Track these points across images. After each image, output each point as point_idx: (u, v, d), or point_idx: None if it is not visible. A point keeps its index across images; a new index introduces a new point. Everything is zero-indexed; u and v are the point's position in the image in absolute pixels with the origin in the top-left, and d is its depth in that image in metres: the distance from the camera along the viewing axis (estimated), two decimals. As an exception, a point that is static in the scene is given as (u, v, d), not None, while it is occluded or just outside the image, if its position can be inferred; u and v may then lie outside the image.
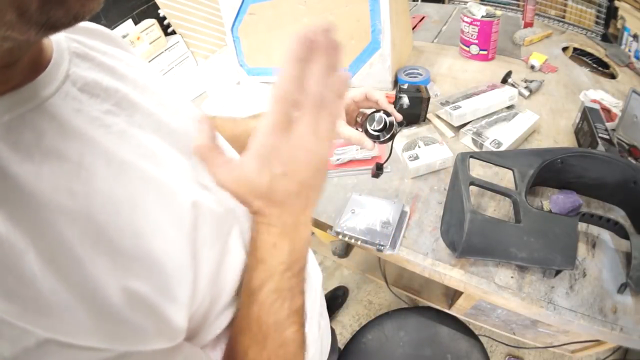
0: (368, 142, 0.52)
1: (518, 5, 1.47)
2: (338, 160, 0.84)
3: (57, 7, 0.20)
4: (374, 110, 0.53)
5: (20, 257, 0.20)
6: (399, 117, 0.54)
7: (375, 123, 0.52)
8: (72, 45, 0.31)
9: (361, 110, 0.57)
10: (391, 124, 0.52)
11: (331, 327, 0.69)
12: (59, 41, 0.30)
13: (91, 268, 0.23)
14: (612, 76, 1.11)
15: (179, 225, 0.29)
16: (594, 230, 0.66)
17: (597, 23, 1.27)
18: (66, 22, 0.21)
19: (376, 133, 0.52)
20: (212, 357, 0.35)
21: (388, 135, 0.52)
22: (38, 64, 0.27)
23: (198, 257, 0.30)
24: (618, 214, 0.69)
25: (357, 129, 0.54)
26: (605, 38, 1.25)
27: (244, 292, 0.34)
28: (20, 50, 0.24)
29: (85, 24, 0.37)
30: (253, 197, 0.30)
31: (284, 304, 0.33)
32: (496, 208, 0.72)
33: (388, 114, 0.52)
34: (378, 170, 0.60)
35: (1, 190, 0.21)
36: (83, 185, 0.25)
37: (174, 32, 1.40)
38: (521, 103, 0.95)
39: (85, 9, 0.22)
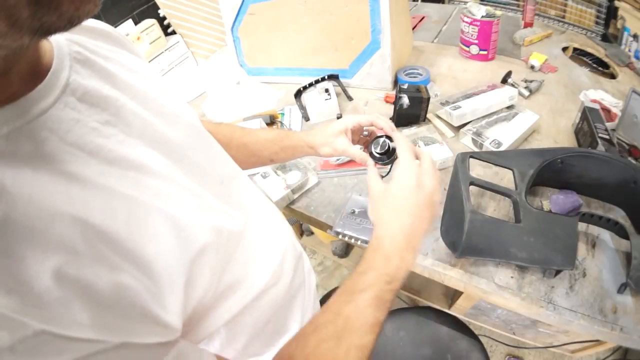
0: (370, 162, 0.57)
1: (518, 5, 1.47)
2: (338, 160, 0.84)
3: (50, 12, 0.19)
4: (379, 135, 0.58)
5: (18, 260, 0.21)
6: None
7: (379, 147, 0.57)
8: (74, 50, 0.30)
9: (364, 133, 0.63)
10: (393, 149, 0.57)
11: None
12: (60, 46, 0.29)
13: (85, 265, 0.23)
14: (612, 76, 1.11)
15: (174, 235, 0.30)
16: (594, 230, 0.66)
17: (597, 23, 1.27)
18: (61, 26, 0.21)
19: (379, 155, 0.57)
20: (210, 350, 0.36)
21: (389, 160, 0.57)
22: (37, 71, 0.27)
23: (193, 278, 0.31)
24: (618, 214, 0.69)
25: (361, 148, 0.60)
26: (605, 38, 1.25)
27: (343, 292, 0.39)
28: (14, 57, 0.24)
29: (90, 23, 0.36)
30: (387, 206, 0.44)
31: (374, 312, 0.37)
32: (496, 208, 0.72)
33: (391, 139, 0.57)
34: None
35: None
36: (80, 190, 0.25)
37: (174, 32, 1.40)
38: (521, 103, 0.95)
39: (80, 12, 0.21)
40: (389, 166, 0.58)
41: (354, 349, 0.36)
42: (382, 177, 0.65)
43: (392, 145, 0.57)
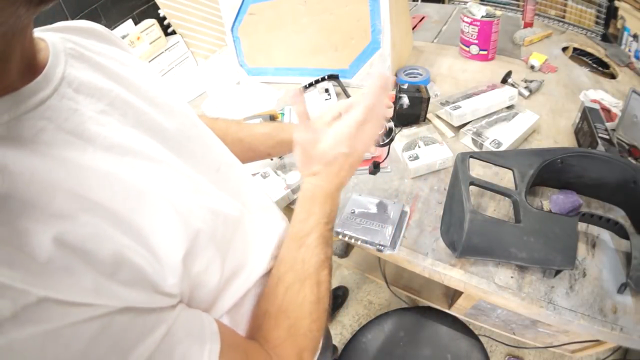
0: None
1: (518, 5, 1.47)
2: (338, 160, 0.84)
3: None
4: None
5: (21, 232, 0.22)
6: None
7: None
8: (68, 47, 0.32)
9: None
10: (390, 129, 0.56)
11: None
12: (55, 43, 0.31)
13: (85, 235, 0.25)
14: (612, 76, 1.11)
15: (171, 212, 0.31)
16: (594, 230, 0.66)
17: (597, 23, 1.27)
18: None
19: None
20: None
21: (387, 140, 0.56)
22: (34, 66, 0.28)
23: (192, 254, 0.32)
24: (618, 214, 0.69)
25: None
26: (605, 38, 1.25)
27: (291, 240, 0.43)
28: (13, 37, 0.25)
29: (81, 24, 0.38)
30: (318, 161, 0.45)
31: (323, 249, 0.43)
32: (496, 208, 0.72)
33: (388, 120, 0.56)
34: (375, 169, 0.63)
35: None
36: (79, 171, 0.26)
37: (174, 32, 1.40)
38: (521, 103, 0.95)
39: None
40: (386, 148, 0.57)
41: (315, 285, 0.41)
42: (378, 165, 0.63)
43: (389, 125, 0.56)
